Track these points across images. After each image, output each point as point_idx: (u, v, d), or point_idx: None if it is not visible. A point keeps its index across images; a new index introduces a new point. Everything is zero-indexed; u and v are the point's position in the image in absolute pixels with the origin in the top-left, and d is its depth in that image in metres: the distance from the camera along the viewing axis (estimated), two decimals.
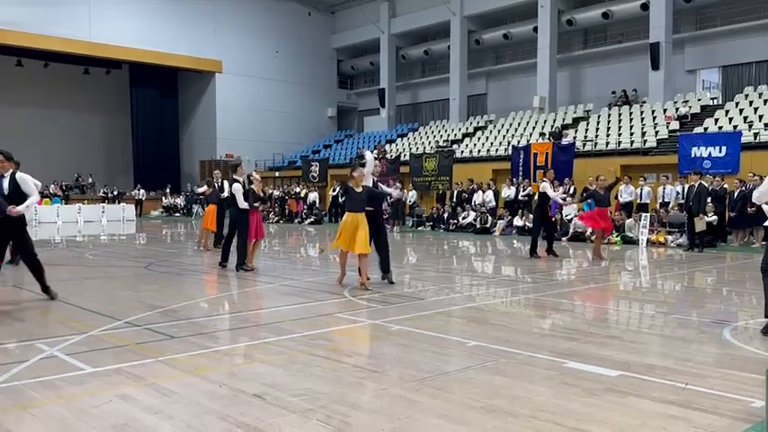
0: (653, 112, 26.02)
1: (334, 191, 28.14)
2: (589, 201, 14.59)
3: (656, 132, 24.05)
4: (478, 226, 21.27)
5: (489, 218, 21.40)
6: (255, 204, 11.30)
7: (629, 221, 17.48)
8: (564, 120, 28.96)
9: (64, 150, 36.84)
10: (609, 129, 26.11)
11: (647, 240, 16.53)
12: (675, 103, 26.06)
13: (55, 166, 34.97)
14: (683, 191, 17.58)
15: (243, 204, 11.08)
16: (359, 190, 9.14)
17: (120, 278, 10.66)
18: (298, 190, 29.89)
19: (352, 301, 8.19)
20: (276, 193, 31.60)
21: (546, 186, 13.62)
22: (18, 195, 7.56)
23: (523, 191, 21.81)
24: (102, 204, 31.55)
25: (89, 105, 38.56)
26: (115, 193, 35.05)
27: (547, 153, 22.68)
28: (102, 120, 39.58)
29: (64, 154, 36.65)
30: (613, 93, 29.24)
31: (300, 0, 40.79)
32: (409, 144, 33.82)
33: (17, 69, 35.10)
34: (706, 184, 15.92)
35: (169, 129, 39.77)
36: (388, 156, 29.90)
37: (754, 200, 6.81)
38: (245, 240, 11.22)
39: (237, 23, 38.01)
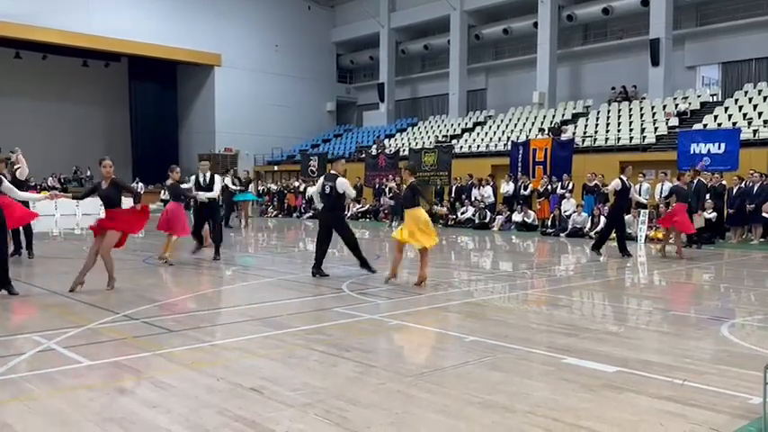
0: (652, 108, 25.99)
1: None
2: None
3: (656, 129, 24.02)
4: (477, 221, 21.26)
5: (488, 213, 21.38)
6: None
7: (627, 217, 17.45)
8: (563, 115, 28.92)
9: (62, 143, 36.70)
10: (608, 125, 26.08)
11: (646, 237, 16.53)
12: (675, 99, 26.02)
13: (53, 159, 34.86)
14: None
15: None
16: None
17: (117, 271, 10.60)
18: (297, 184, 29.83)
19: (351, 296, 8.19)
20: (274, 187, 31.57)
21: (618, 184, 12.97)
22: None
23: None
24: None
25: (88, 98, 38.39)
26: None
27: (546, 149, 22.63)
28: (101, 112, 39.43)
29: (62, 147, 36.51)
30: (613, 89, 29.18)
31: None
32: (408, 139, 33.78)
33: (15, 62, 34.93)
34: (704, 181, 15.91)
35: (168, 122, 39.64)
36: (387, 150, 29.90)
37: None
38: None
39: (237, 17, 37.86)
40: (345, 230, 9.87)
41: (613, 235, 13.69)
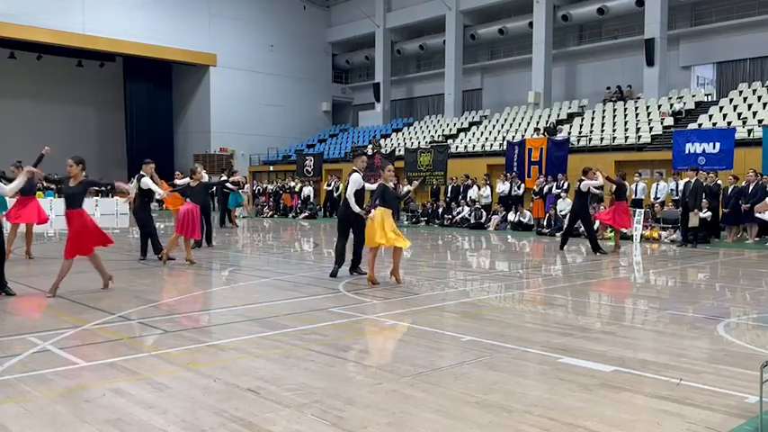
0: (647, 107, 26.05)
1: (328, 185, 28.07)
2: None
3: (651, 128, 24.07)
4: (473, 221, 21.25)
5: (484, 213, 21.38)
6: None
7: None
8: (558, 115, 28.96)
9: (57, 143, 36.20)
10: (603, 124, 26.13)
11: (641, 236, 16.57)
12: (670, 99, 26.09)
13: (48, 159, 34.50)
14: (677, 187, 17.62)
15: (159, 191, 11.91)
16: (391, 185, 9.33)
17: (113, 272, 10.60)
18: (292, 184, 29.80)
19: (347, 296, 8.18)
20: (270, 187, 31.53)
21: (588, 183, 13.56)
22: None
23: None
24: (95, 198, 31.36)
25: (83, 98, 38.31)
26: (108, 186, 34.79)
27: (541, 148, 22.68)
28: (96, 112, 39.35)
29: (57, 147, 35.85)
30: (608, 88, 29.24)
31: None
32: (404, 139, 33.77)
33: (10, 62, 34.82)
34: (702, 181, 15.93)
35: (163, 122, 39.54)
36: (382, 150, 29.89)
37: None
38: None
39: (232, 16, 37.81)
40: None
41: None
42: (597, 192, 14.22)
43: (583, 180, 13.70)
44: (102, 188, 10.04)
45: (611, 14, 29.59)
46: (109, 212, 29.23)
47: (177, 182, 14.93)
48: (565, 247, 14.08)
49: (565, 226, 15.58)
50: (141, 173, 11.90)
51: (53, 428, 3.72)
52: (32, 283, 8.97)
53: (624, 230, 15.36)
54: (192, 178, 12.00)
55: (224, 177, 19.08)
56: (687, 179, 15.61)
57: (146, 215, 11.94)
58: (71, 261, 8.12)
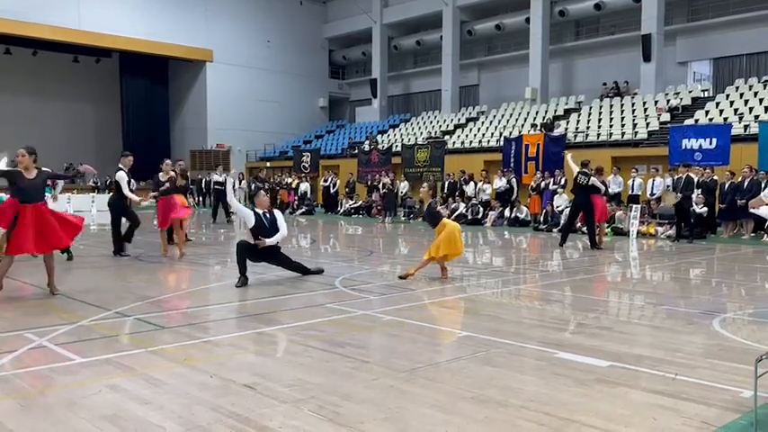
0: (644, 103, 26.07)
1: (325, 181, 28.07)
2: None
3: (648, 124, 24.10)
4: (470, 217, 21.25)
5: (481, 209, 21.38)
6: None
7: (619, 213, 17.54)
8: (555, 111, 28.96)
9: (54, 139, 36.43)
10: (600, 120, 26.14)
11: (638, 232, 16.59)
12: (666, 94, 26.11)
13: (45, 156, 34.25)
14: (673, 183, 17.64)
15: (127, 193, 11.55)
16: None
17: (109, 268, 10.60)
18: (289, 180, 29.78)
19: (343, 292, 8.18)
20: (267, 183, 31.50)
21: (595, 180, 13.65)
22: None
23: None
24: (91, 194, 31.31)
25: (79, 94, 38.18)
26: (105, 182, 34.78)
27: (538, 144, 22.68)
28: (93, 108, 39.23)
29: (54, 143, 36.18)
30: (605, 84, 29.25)
31: None
32: (401, 135, 33.76)
33: (6, 58, 34.67)
34: (693, 176, 16.00)
35: (159, 118, 39.44)
36: (379, 146, 29.88)
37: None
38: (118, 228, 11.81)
39: (228, 12, 37.72)
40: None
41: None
42: (602, 188, 14.12)
43: (590, 175, 13.65)
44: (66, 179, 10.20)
45: (608, 10, 29.59)
46: (105, 209, 29.15)
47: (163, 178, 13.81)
48: (565, 244, 13.99)
49: (564, 222, 15.54)
50: (119, 165, 11.71)
51: (49, 424, 3.71)
52: (31, 281, 8.95)
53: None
54: (175, 172, 12.21)
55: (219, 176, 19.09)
56: (679, 175, 15.74)
57: (121, 206, 11.78)
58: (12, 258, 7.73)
